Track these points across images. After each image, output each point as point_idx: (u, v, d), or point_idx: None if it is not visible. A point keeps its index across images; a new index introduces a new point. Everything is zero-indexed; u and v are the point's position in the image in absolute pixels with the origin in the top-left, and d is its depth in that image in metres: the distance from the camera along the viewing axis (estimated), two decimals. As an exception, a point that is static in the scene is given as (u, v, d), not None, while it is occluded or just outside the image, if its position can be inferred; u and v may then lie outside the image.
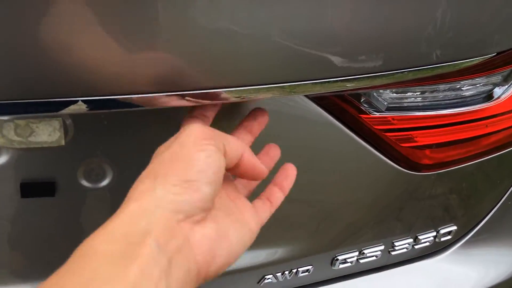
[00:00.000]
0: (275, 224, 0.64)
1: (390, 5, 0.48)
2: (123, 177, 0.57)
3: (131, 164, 0.52)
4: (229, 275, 0.69)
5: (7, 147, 0.52)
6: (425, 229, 0.81)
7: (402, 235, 0.80)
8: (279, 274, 0.73)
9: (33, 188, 0.55)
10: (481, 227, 0.89)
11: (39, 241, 0.59)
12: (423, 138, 0.67)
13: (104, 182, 0.57)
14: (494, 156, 0.76)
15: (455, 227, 0.84)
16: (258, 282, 0.74)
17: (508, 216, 0.90)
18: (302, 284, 0.78)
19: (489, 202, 0.86)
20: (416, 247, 0.83)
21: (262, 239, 0.56)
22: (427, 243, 0.83)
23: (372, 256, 0.79)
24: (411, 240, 0.81)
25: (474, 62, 0.59)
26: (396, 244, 0.80)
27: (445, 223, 0.83)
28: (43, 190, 0.55)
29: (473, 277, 0.88)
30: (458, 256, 0.90)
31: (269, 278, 0.73)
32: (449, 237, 0.85)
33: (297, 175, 0.52)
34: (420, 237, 0.82)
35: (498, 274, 0.89)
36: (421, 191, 0.74)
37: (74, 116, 0.52)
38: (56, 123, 0.52)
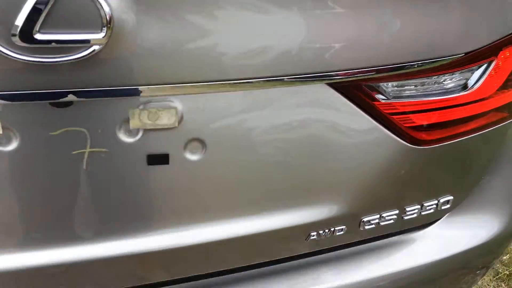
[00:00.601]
0: (316, 192, 0.89)
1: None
2: (217, 152, 0.81)
3: (223, 142, 0.77)
4: (282, 232, 0.92)
5: (140, 128, 0.77)
6: (428, 198, 1.05)
7: (412, 202, 1.03)
8: (321, 232, 0.96)
9: (155, 158, 0.79)
10: (467, 199, 1.14)
11: (155, 197, 0.82)
12: (419, 120, 0.93)
13: (201, 156, 0.82)
14: (476, 136, 1.00)
15: (451, 197, 1.08)
16: (305, 239, 0.96)
17: (487, 189, 1.15)
18: (341, 243, 1.01)
19: (476, 175, 1.10)
20: (423, 213, 1.06)
21: (308, 202, 0.81)
22: (432, 210, 1.07)
23: (390, 219, 1.02)
24: (419, 207, 1.05)
25: (448, 61, 0.86)
26: (407, 209, 1.04)
27: (444, 192, 1.07)
28: (161, 160, 0.80)
29: (465, 238, 1.12)
30: (451, 224, 1.14)
31: (313, 235, 0.96)
32: (448, 205, 1.09)
33: (329, 149, 0.77)
34: (425, 204, 1.05)
35: (482, 236, 1.13)
36: (423, 163, 0.98)
37: (184, 105, 0.77)
38: (173, 111, 0.78)
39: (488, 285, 2.15)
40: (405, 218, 1.05)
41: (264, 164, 0.86)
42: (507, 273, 2.19)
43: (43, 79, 0.67)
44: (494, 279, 2.17)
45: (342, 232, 0.99)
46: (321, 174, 0.90)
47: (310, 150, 0.88)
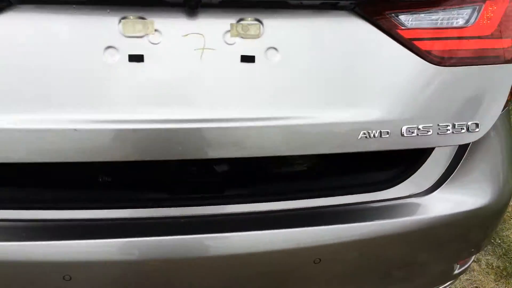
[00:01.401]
0: (365, 97, 1.23)
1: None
2: (286, 58, 1.19)
3: (291, 52, 1.17)
4: (339, 126, 1.22)
5: (237, 37, 1.18)
6: (458, 119, 1.31)
7: (445, 120, 1.30)
8: (370, 132, 1.25)
9: (245, 58, 1.18)
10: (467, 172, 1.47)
11: (242, 82, 1.19)
12: (435, 44, 1.26)
13: (276, 60, 1.19)
14: (488, 70, 1.31)
15: (478, 122, 1.33)
16: (357, 137, 1.25)
17: (478, 167, 1.46)
18: (385, 149, 1.28)
19: (497, 106, 1.36)
20: (455, 133, 1.32)
21: (359, 105, 1.16)
22: (463, 131, 1.32)
23: (427, 132, 1.29)
24: (451, 125, 1.31)
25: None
26: (441, 126, 1.30)
27: (471, 117, 1.33)
28: (249, 59, 1.18)
29: (468, 202, 1.43)
30: (456, 189, 1.46)
31: (364, 134, 1.25)
32: (477, 130, 1.34)
33: (369, 65, 1.14)
34: (456, 124, 1.32)
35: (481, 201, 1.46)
36: (445, 82, 1.28)
37: (265, 24, 1.18)
38: (258, 26, 1.19)
39: None
40: (440, 134, 1.31)
41: (321, 70, 1.22)
42: None
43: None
44: None
45: (387, 136, 1.27)
46: (367, 83, 1.24)
47: (356, 65, 1.23)
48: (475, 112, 1.35)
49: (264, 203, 1.44)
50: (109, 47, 1.14)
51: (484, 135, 1.42)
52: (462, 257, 1.70)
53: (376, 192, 1.48)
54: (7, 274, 1.28)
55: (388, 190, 1.49)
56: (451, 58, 1.28)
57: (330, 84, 1.24)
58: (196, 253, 1.35)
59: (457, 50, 1.29)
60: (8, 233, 1.28)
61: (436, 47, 1.27)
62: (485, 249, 2.77)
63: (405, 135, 1.29)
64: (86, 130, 1.14)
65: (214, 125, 1.19)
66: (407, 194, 1.49)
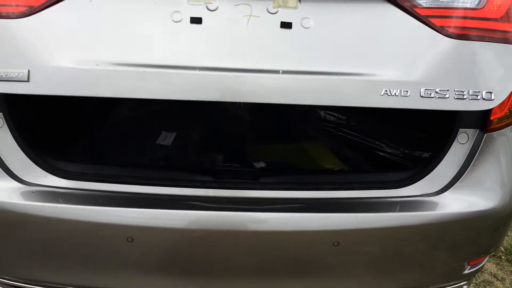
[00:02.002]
0: (385, 60, 1.45)
1: None
2: (319, 26, 1.44)
3: (322, 21, 1.42)
4: (362, 82, 1.42)
5: (276, 8, 1.45)
6: (474, 86, 1.47)
7: (460, 86, 1.46)
8: (391, 90, 1.43)
9: (284, 24, 1.43)
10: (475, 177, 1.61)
11: (282, 43, 1.44)
12: (448, 21, 1.47)
13: (309, 26, 1.44)
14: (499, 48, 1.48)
15: (493, 91, 1.48)
16: (380, 94, 1.43)
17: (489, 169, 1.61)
18: (404, 107, 1.45)
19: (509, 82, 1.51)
20: (471, 99, 1.46)
21: (380, 66, 1.39)
22: (479, 98, 1.47)
23: (444, 95, 1.45)
24: (466, 91, 1.46)
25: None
26: (457, 91, 1.46)
27: (486, 86, 1.48)
28: (288, 25, 1.44)
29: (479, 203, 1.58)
30: (467, 190, 1.61)
31: (386, 92, 1.43)
32: (492, 98, 1.48)
33: (388, 35, 1.38)
34: (471, 92, 1.47)
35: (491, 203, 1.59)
36: (459, 54, 1.46)
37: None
38: (295, -1, 1.46)
39: None
40: (457, 98, 1.46)
41: (349, 37, 1.46)
42: None
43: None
44: None
45: (407, 95, 1.44)
46: (388, 49, 1.46)
47: (377, 35, 1.46)
48: (488, 83, 1.50)
49: (297, 191, 1.64)
50: (175, 11, 1.44)
51: (495, 138, 1.60)
52: (471, 258, 1.77)
53: (392, 189, 1.66)
54: (85, 232, 1.53)
55: (404, 188, 1.65)
56: (463, 34, 1.48)
57: (356, 48, 1.46)
58: (234, 227, 1.54)
59: (468, 27, 1.48)
60: (89, 199, 1.56)
61: (449, 23, 1.48)
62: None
63: (423, 95, 1.46)
64: (155, 72, 1.42)
65: (252, 74, 1.44)
66: (421, 193, 1.65)
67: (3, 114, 1.53)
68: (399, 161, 2.00)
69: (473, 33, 1.49)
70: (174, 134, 2.28)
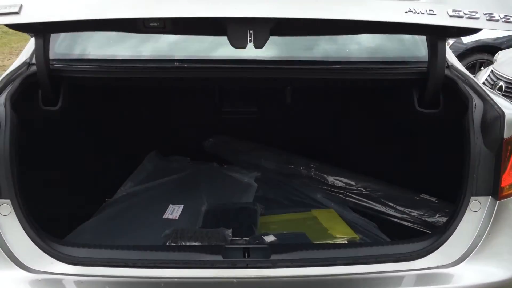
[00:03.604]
0: None
1: None
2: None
3: None
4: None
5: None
6: (505, 11, 1.40)
7: (491, 9, 1.38)
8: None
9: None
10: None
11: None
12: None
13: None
14: None
15: None
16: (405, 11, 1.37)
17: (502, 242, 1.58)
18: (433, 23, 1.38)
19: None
20: (503, 21, 1.38)
21: None
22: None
23: (474, 13, 1.38)
24: (498, 15, 1.38)
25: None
26: (488, 13, 1.38)
27: None
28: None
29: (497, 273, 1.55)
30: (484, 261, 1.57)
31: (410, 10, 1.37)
32: None
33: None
34: (502, 14, 1.39)
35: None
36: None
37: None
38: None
39: None
40: (489, 20, 1.38)
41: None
42: None
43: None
44: None
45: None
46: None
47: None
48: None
49: (310, 268, 1.56)
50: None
51: (509, 205, 1.57)
52: None
53: (408, 262, 1.58)
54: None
55: (419, 260, 1.58)
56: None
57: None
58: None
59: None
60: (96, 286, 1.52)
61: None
62: None
63: (451, 15, 1.37)
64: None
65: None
66: (437, 264, 1.58)
67: (11, 201, 1.52)
68: (413, 227, 1.96)
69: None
70: (182, 206, 2.27)
